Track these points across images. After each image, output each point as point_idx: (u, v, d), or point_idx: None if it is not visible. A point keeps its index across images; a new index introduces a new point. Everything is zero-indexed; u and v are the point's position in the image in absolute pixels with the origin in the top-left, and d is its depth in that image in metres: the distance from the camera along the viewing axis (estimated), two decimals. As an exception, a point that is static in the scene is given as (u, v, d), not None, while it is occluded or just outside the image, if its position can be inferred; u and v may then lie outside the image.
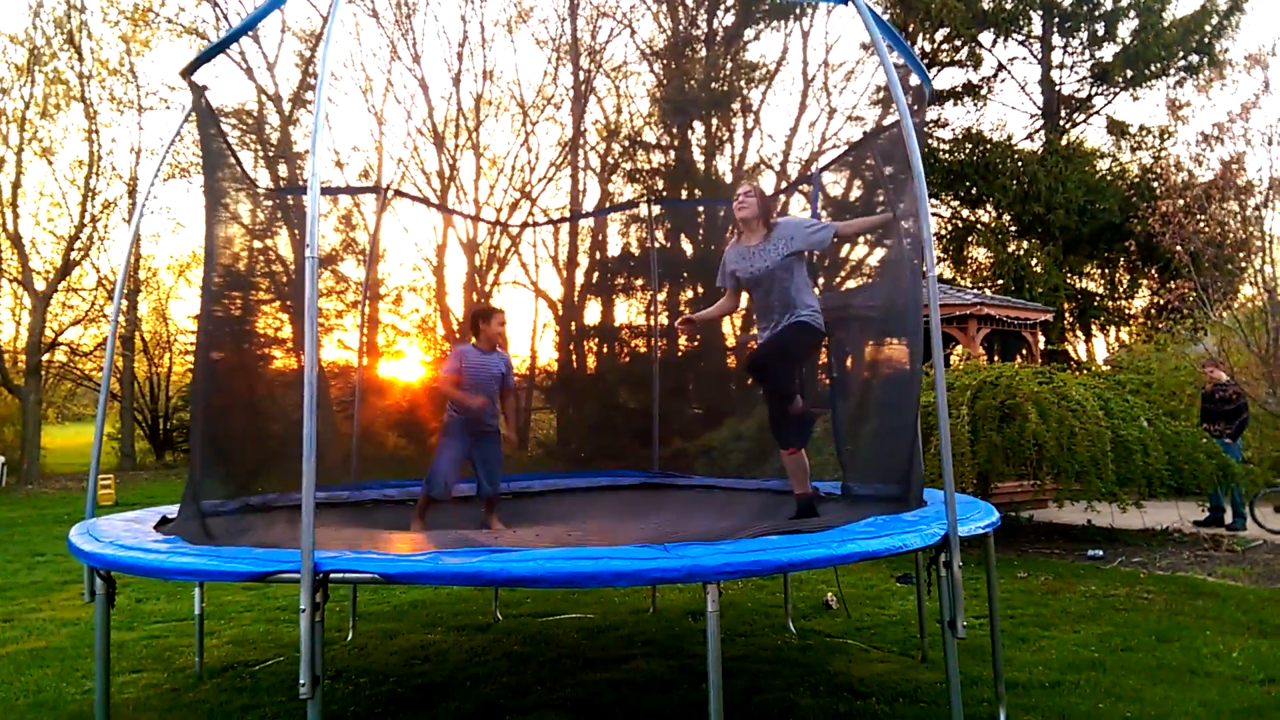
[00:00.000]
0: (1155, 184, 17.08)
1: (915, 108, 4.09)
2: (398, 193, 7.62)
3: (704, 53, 18.87)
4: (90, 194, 19.61)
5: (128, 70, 20.49)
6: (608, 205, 18.45)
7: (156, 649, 4.84)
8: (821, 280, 6.07)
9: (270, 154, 18.77)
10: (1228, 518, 8.79)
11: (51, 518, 11.66)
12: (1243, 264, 11.41)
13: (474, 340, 5.20)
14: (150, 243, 22.87)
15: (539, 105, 19.93)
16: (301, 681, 2.47)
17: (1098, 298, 19.25)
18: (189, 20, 19.87)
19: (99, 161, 19.73)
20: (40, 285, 19.36)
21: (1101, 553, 7.42)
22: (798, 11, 18.27)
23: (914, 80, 4.13)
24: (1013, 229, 18.72)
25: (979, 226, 19.51)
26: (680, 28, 19.22)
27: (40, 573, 7.48)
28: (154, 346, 25.64)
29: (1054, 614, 5.28)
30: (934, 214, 18.92)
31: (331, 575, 2.56)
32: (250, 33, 17.17)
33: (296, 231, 6.98)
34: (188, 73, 3.96)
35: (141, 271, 22.77)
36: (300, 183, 14.17)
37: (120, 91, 20.56)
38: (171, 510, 4.09)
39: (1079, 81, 19.34)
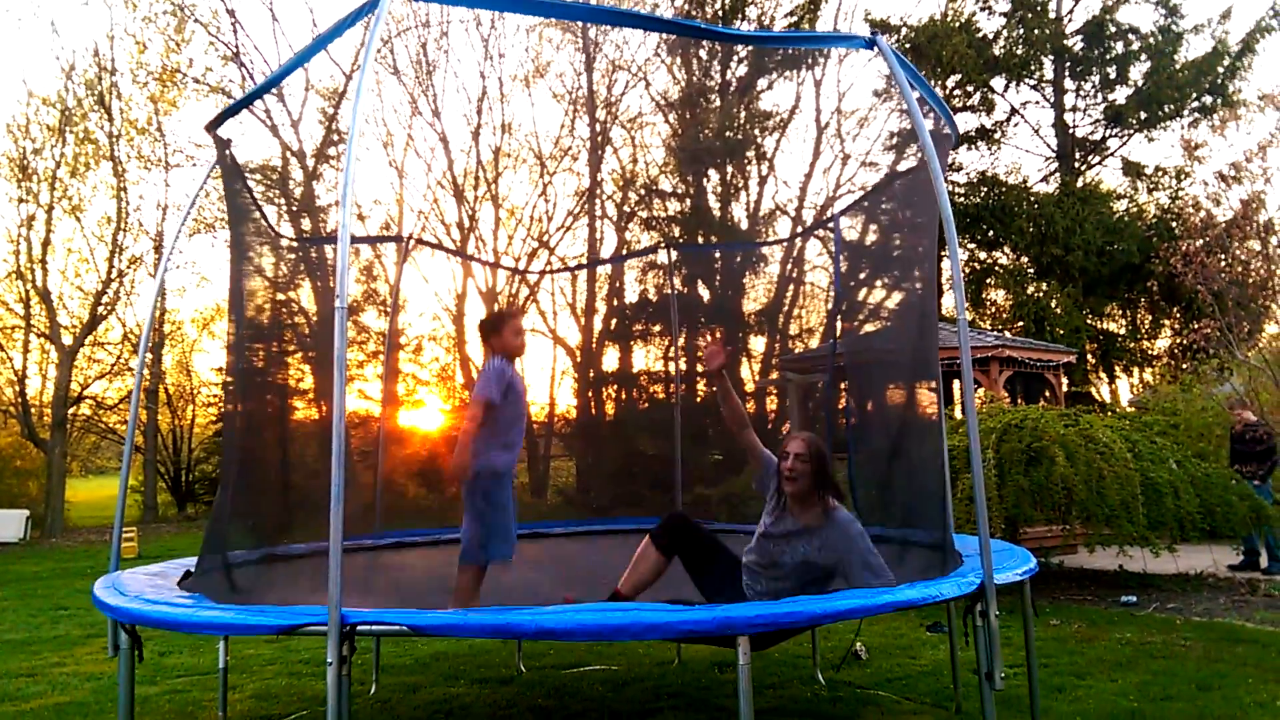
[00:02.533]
0: (1174, 224, 17.05)
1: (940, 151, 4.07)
2: (419, 241, 7.72)
3: (718, 102, 19.14)
4: (117, 250, 19.98)
5: (155, 129, 21.00)
6: (625, 252, 18.60)
7: (179, 703, 4.80)
8: (840, 324, 6.06)
9: (294, 208, 19.09)
10: (1263, 561, 8.59)
11: (75, 571, 11.68)
12: (1267, 303, 11.32)
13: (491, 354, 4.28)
14: (175, 296, 23.23)
15: (556, 156, 20.22)
16: (328, 738, 2.43)
17: (1120, 338, 19.10)
18: (216, 80, 20.38)
19: (126, 218, 20.14)
20: (67, 340, 19.64)
21: (1135, 599, 7.26)
22: (810, 61, 18.55)
23: (931, 124, 4.14)
24: (1031, 271, 18.68)
25: (997, 269, 19.49)
26: (694, 79, 19.53)
27: (64, 627, 7.46)
28: (177, 399, 25.88)
29: (1089, 662, 5.15)
30: (951, 257, 18.93)
31: (358, 628, 2.54)
32: (274, 90, 17.60)
33: (319, 283, 7.08)
34: (213, 127, 4.05)
35: (166, 325, 23.08)
36: (324, 235, 14.39)
37: (148, 150, 21.06)
38: (194, 562, 4.08)
39: (1093, 124, 19.43)
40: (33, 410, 20.31)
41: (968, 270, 19.56)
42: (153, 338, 21.75)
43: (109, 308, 20.29)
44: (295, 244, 6.81)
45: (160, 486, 24.28)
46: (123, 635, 3.23)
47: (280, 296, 5.84)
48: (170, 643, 6.29)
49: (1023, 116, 19.90)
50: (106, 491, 26.82)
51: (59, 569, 12.15)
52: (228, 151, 4.23)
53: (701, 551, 3.60)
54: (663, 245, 17.59)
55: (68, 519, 19.39)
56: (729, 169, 19.16)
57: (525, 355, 4.46)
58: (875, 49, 3.29)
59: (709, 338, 3.75)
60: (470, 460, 3.94)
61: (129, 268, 20.44)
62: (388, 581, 4.82)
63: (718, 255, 12.73)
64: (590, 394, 17.20)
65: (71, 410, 20.24)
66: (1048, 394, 11.63)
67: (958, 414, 9.41)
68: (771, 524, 3.54)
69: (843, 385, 6.22)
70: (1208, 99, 17.86)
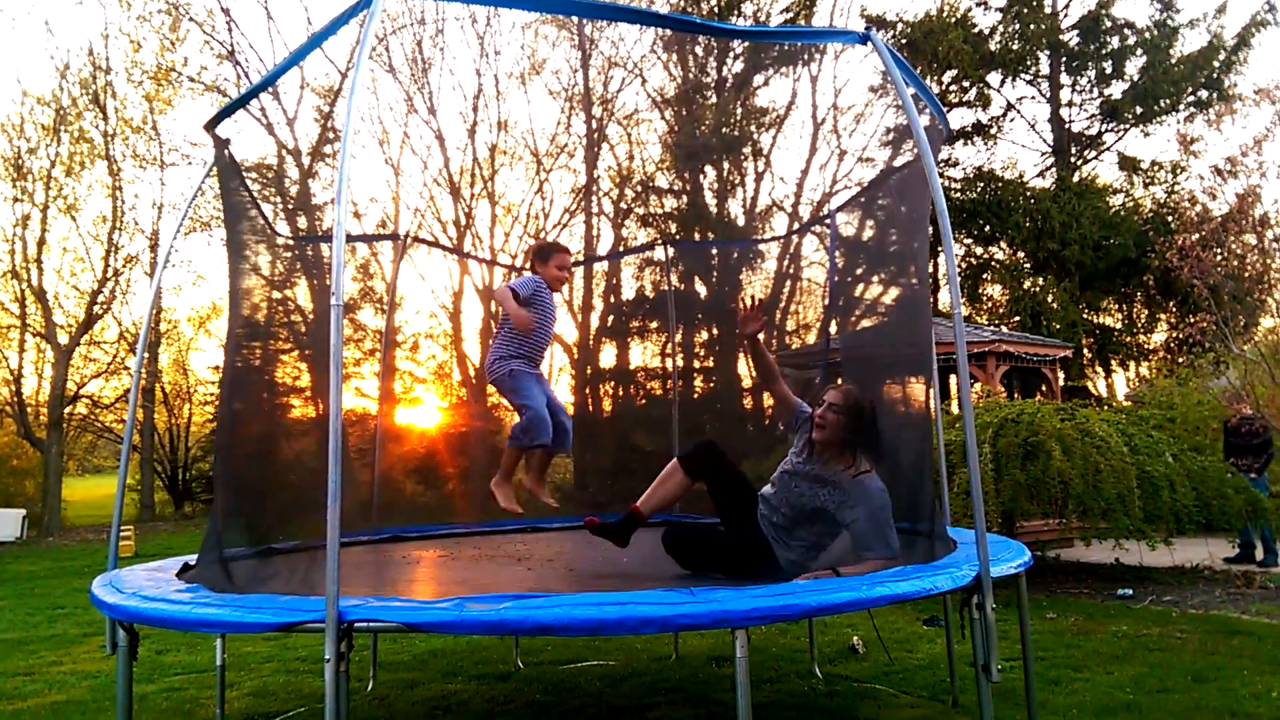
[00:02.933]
0: (1170, 218, 17.08)
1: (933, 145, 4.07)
2: (416, 239, 7.71)
3: (714, 99, 19.13)
4: (113, 249, 19.94)
5: (151, 128, 20.95)
6: (622, 249, 18.59)
7: (177, 701, 4.80)
8: (836, 321, 6.07)
9: (290, 206, 19.06)
10: (1259, 554, 8.62)
11: (72, 570, 11.67)
12: (1263, 297, 11.34)
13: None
14: (171, 295, 23.18)
15: (553, 154, 20.19)
16: (326, 733, 2.44)
17: (1116, 333, 19.13)
18: (211, 78, 20.33)
19: (122, 217, 20.10)
20: (63, 339, 19.60)
21: (1131, 592, 7.28)
22: (805, 57, 18.54)
23: (925, 120, 4.14)
24: (1027, 266, 18.70)
25: (994, 264, 19.51)
26: (690, 75, 19.52)
27: (61, 625, 7.46)
28: (174, 398, 25.83)
29: (1086, 655, 5.17)
30: (948, 252, 18.96)
31: (356, 625, 2.54)
32: (270, 89, 17.56)
33: (316, 281, 7.07)
34: (211, 126, 4.04)
35: (162, 324, 23.04)
36: (320, 233, 14.38)
37: (143, 149, 21.00)
38: (193, 559, 4.08)
39: (1089, 119, 19.45)
40: (29, 409, 20.27)
41: (964, 265, 19.58)
42: (149, 337, 21.72)
43: (105, 307, 20.26)
44: (292, 242, 6.79)
45: (157, 485, 24.25)
46: (120, 633, 3.23)
47: (277, 294, 5.84)
48: (168, 640, 6.29)
49: (1019, 112, 19.93)
50: (103, 490, 26.77)
51: (56, 568, 12.14)
52: (226, 150, 4.22)
53: (727, 481, 3.65)
54: (659, 242, 17.59)
55: (64, 518, 19.36)
56: (725, 165, 19.15)
57: (561, 290, 4.57)
58: (870, 45, 3.29)
59: (745, 303, 3.70)
60: (522, 319, 4.11)
61: (125, 267, 20.41)
62: (385, 578, 4.82)
63: (714, 252, 12.73)
64: (588, 390, 17.20)
65: (68, 409, 20.21)
66: (1044, 388, 11.65)
67: (954, 409, 9.42)
68: (799, 462, 3.55)
69: (839, 381, 6.23)
70: (1203, 94, 17.88)
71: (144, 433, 22.66)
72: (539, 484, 4.38)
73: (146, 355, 21.84)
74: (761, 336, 3.83)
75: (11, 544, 16.06)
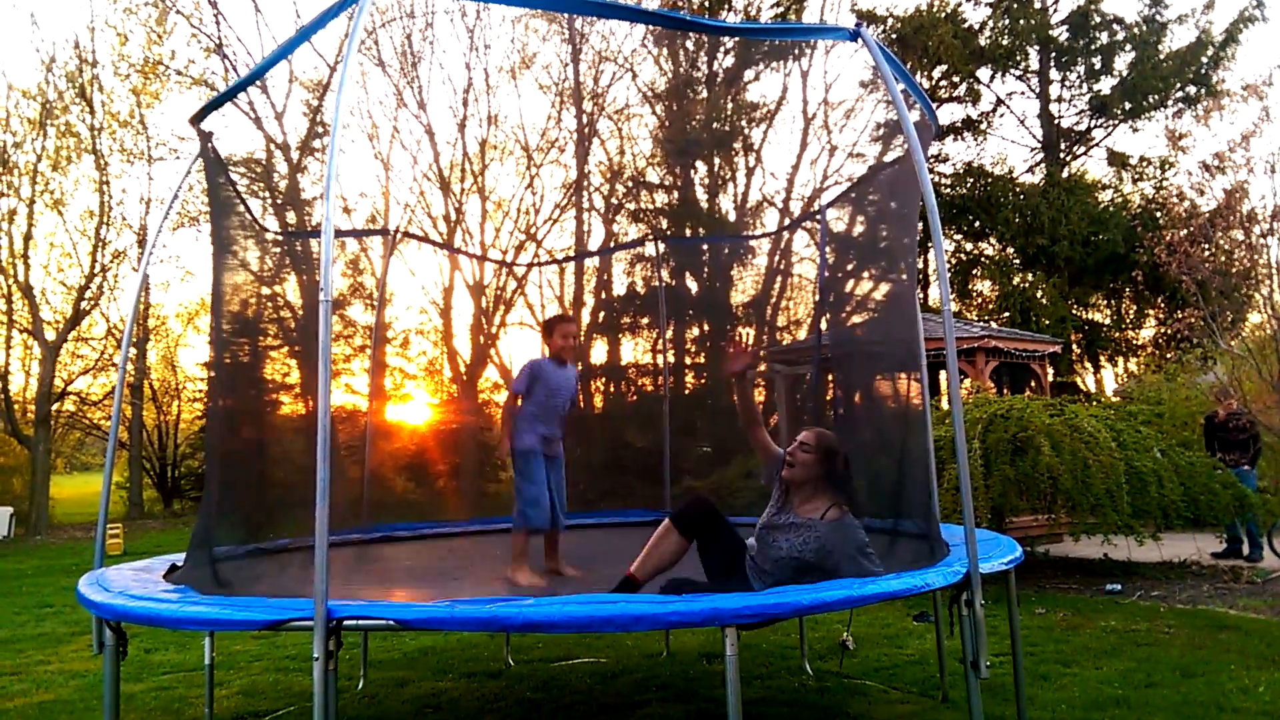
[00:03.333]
0: (1158, 214, 17.15)
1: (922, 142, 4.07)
2: (406, 234, 7.68)
3: (705, 94, 19.12)
4: (100, 244, 19.79)
5: (138, 122, 20.81)
6: (613, 245, 18.56)
7: (165, 700, 4.78)
8: (827, 316, 6.07)
9: (278, 201, 18.97)
10: (1245, 549, 8.68)
11: (60, 568, 11.60)
12: (1250, 292, 11.40)
13: (546, 354, 4.75)
14: (159, 291, 23.06)
15: (543, 149, 20.14)
16: (315, 733, 2.42)
17: (1105, 328, 19.22)
18: (198, 72, 20.20)
19: (109, 212, 19.95)
20: (50, 335, 19.46)
21: (1120, 587, 7.32)
22: (796, 52, 18.54)
23: (915, 115, 4.14)
24: (1017, 261, 18.77)
25: (983, 259, 19.57)
26: (681, 70, 19.50)
27: (48, 624, 7.42)
28: (162, 395, 25.69)
29: (1075, 650, 5.19)
30: (938, 248, 19.05)
31: (345, 622, 2.53)
32: (258, 83, 17.46)
33: (305, 277, 7.03)
34: (196, 120, 4.01)
35: (150, 320, 22.89)
36: (309, 229, 14.31)
37: (130, 143, 20.86)
38: (180, 558, 4.06)
39: (1078, 114, 19.53)
40: (16, 406, 20.12)
41: (954, 261, 19.63)
42: (137, 332, 21.59)
43: (92, 302, 20.12)
44: (280, 238, 6.75)
45: (146, 483, 24.13)
46: (107, 632, 3.20)
47: (265, 291, 5.80)
48: (156, 639, 6.26)
49: (1008, 107, 19.99)
50: (91, 488, 26.62)
51: (44, 566, 12.07)
52: (210, 144, 4.18)
53: (719, 539, 3.55)
54: (650, 237, 17.58)
55: (52, 516, 19.25)
56: (716, 161, 19.16)
57: (575, 356, 4.92)
58: (859, 40, 3.28)
59: (734, 343, 3.63)
60: (507, 440, 4.57)
61: (112, 262, 20.28)
62: (375, 575, 4.81)
63: (705, 247, 12.73)
64: (578, 387, 17.19)
65: (55, 406, 20.08)
66: (1033, 384, 11.70)
67: (944, 404, 9.45)
68: (775, 514, 3.52)
69: (830, 377, 6.24)
70: (1192, 89, 17.97)
71: (132, 430, 22.54)
72: (556, 560, 4.63)
73: (134, 351, 21.73)
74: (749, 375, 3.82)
75: (-2, 542, 15.97)
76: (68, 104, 19.83)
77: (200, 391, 24.22)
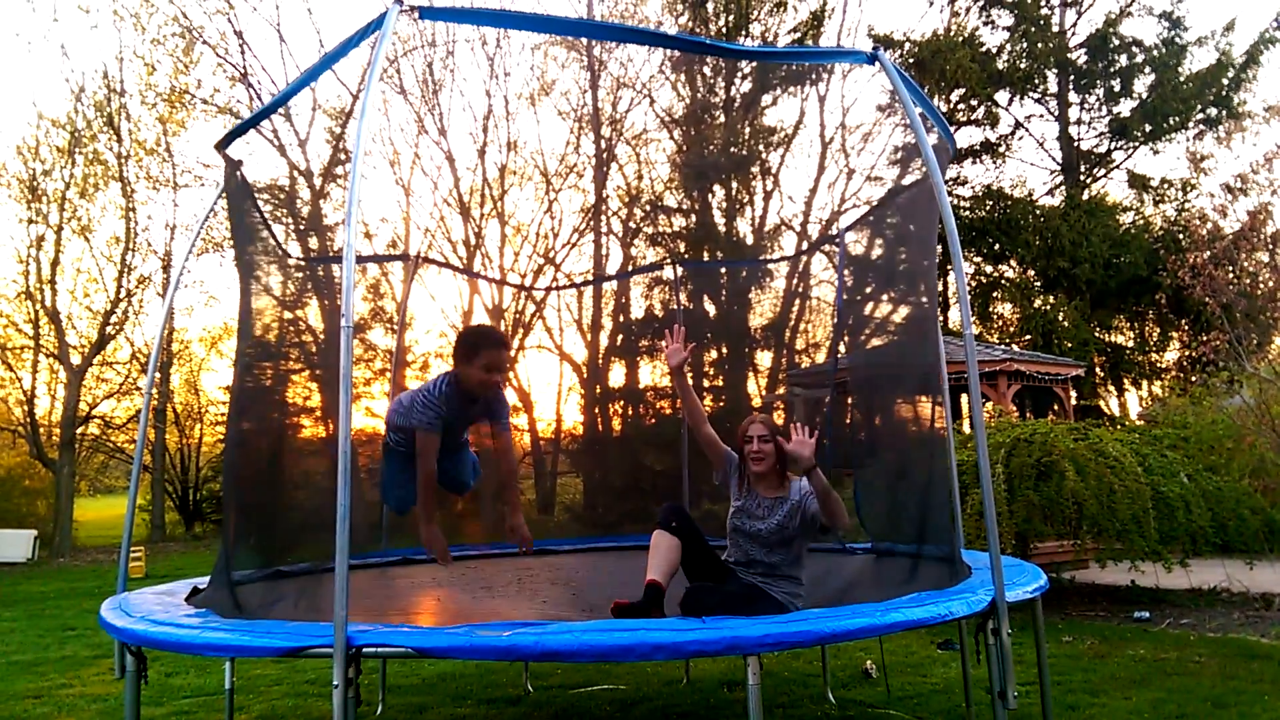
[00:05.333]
0: (1181, 236, 17.01)
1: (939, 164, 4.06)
2: (426, 259, 7.74)
3: (722, 118, 19.20)
4: (126, 270, 20.06)
5: (164, 150, 21.13)
6: (631, 268, 18.61)
7: (185, 726, 4.78)
8: (846, 339, 6.05)
9: (301, 227, 19.17)
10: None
11: (83, 591, 11.67)
12: (1276, 315, 11.26)
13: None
14: (183, 316, 23.29)
15: (562, 174, 20.27)
16: (334, 761, 2.41)
17: (1128, 351, 19.02)
18: (224, 101, 20.53)
19: (135, 238, 20.23)
20: (76, 360, 19.70)
21: (1148, 614, 7.19)
22: (814, 76, 18.61)
23: (933, 139, 4.13)
24: (1038, 284, 18.64)
25: (1004, 282, 19.45)
26: (699, 95, 19.61)
27: (71, 647, 7.45)
28: (185, 418, 25.90)
29: (1103, 679, 5.09)
30: (957, 271, 18.98)
31: (364, 649, 2.52)
32: (282, 111, 17.73)
33: (327, 301, 7.09)
34: (222, 145, 4.06)
35: (174, 344, 23.14)
36: (331, 254, 14.44)
37: (156, 170, 21.16)
38: (203, 582, 4.07)
39: (1098, 137, 19.44)
40: (41, 430, 20.33)
41: (974, 284, 19.54)
42: (161, 357, 21.80)
43: (117, 327, 20.36)
44: (302, 263, 6.82)
45: (168, 505, 24.28)
46: (129, 657, 3.21)
47: (288, 315, 5.85)
48: (177, 663, 6.27)
49: (1027, 130, 19.94)
50: (115, 511, 26.83)
51: (67, 589, 12.14)
52: (238, 171, 4.24)
53: (698, 539, 3.70)
54: (668, 261, 17.62)
55: (76, 538, 19.38)
56: (734, 184, 19.20)
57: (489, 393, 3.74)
58: (878, 64, 3.29)
59: (671, 335, 3.72)
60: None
61: (137, 287, 20.52)
62: (394, 598, 4.80)
63: (723, 271, 12.74)
64: (597, 410, 17.18)
65: (80, 430, 20.27)
66: (1056, 408, 11.58)
67: (966, 428, 9.36)
68: (736, 510, 3.73)
69: (849, 400, 6.20)
70: (1213, 111, 17.87)
71: (155, 453, 22.71)
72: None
73: (158, 376, 21.94)
74: (688, 372, 3.88)
75: (23, 564, 16.08)
76: (96, 132, 20.19)
77: (222, 415, 24.41)
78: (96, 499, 34.19)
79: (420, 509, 3.70)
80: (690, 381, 3.91)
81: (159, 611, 3.29)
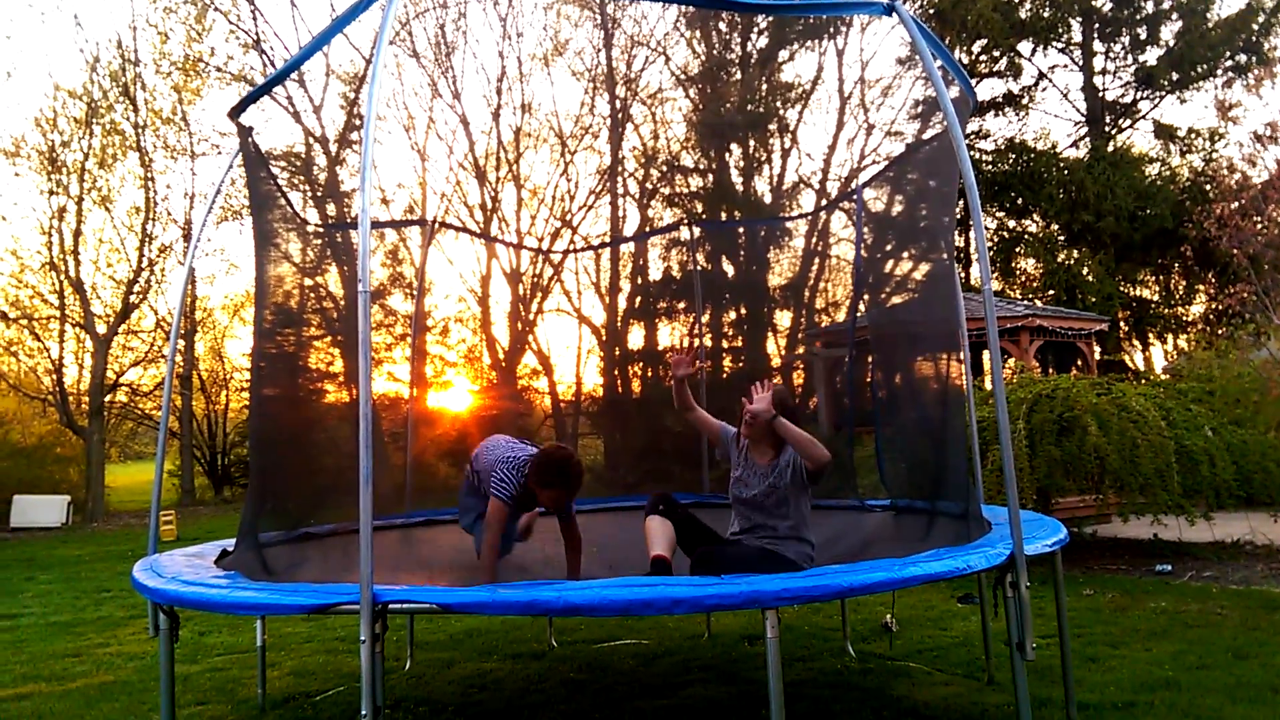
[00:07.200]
0: (1208, 187, 16.69)
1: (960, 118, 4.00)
2: (443, 224, 7.74)
3: (739, 75, 18.94)
4: (147, 239, 20.20)
5: (180, 119, 21.15)
6: (648, 230, 18.52)
7: (219, 681, 4.91)
8: (866, 297, 6.01)
9: (318, 194, 19.19)
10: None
11: (116, 554, 11.94)
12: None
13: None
14: (205, 284, 23.49)
15: (577, 135, 20.12)
16: (363, 712, 2.48)
17: (1153, 305, 18.79)
18: (238, 68, 20.48)
19: (154, 207, 20.34)
20: (101, 329, 19.95)
21: (1170, 567, 7.18)
22: (831, 30, 18.27)
23: (954, 92, 4.06)
24: (1062, 238, 18.39)
25: (1027, 237, 19.20)
26: (714, 52, 19.33)
27: (107, 608, 7.65)
28: (211, 385, 26.23)
29: (1124, 632, 5.11)
30: (979, 226, 18.74)
31: (390, 606, 2.57)
32: (295, 76, 17.66)
33: (345, 268, 7.13)
34: (235, 114, 4.05)
35: (197, 312, 23.35)
36: (348, 220, 14.47)
37: (173, 139, 21.21)
38: (231, 543, 4.16)
39: (1123, 86, 19.03)
40: (70, 398, 20.67)
41: (996, 239, 19.30)
42: (184, 325, 22.02)
43: (141, 296, 20.56)
44: (320, 230, 6.85)
45: (197, 470, 24.69)
46: (162, 616, 3.30)
47: (307, 282, 5.89)
48: (209, 622, 6.42)
49: (1051, 81, 19.55)
50: (145, 476, 27.32)
51: (101, 552, 12.43)
52: (250, 139, 4.24)
53: (686, 518, 3.77)
54: (685, 222, 17.51)
55: (108, 503, 19.79)
56: (751, 143, 18.97)
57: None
58: (895, 16, 3.23)
59: (681, 347, 3.81)
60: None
61: (159, 256, 20.69)
62: (419, 559, 4.88)
63: (741, 231, 12.64)
64: (616, 372, 17.22)
65: (108, 398, 20.58)
66: (1080, 363, 11.49)
67: (988, 385, 9.33)
68: (739, 476, 3.74)
69: (869, 359, 6.18)
70: (1242, 58, 17.42)
71: (182, 419, 23.05)
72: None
73: (182, 343, 22.19)
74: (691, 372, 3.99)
75: (57, 529, 16.45)
76: (112, 103, 20.22)
77: (247, 381, 24.68)
78: (127, 465, 34.82)
79: (483, 567, 3.90)
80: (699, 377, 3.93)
81: (189, 572, 3.37)
